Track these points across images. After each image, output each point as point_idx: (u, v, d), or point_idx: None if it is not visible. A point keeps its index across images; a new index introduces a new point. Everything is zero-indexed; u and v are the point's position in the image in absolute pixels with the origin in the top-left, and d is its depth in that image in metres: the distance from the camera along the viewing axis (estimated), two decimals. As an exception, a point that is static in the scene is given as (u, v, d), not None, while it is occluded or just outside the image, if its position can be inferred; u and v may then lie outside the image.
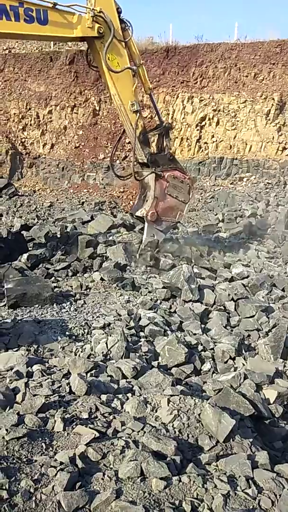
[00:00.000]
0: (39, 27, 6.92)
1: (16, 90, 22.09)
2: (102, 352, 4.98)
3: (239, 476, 2.93)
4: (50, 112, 21.50)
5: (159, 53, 20.01)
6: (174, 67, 19.80)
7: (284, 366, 5.26)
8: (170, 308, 6.60)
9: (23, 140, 21.84)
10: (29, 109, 21.71)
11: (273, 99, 17.59)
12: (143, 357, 5.00)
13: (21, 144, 21.69)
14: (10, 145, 21.17)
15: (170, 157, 8.69)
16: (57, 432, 3.24)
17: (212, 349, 5.54)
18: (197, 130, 19.15)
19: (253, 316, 6.35)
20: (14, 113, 21.88)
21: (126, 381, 4.31)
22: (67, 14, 7.19)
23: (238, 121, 18.45)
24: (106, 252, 8.54)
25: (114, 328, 5.59)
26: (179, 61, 19.72)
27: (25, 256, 8.42)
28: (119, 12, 7.69)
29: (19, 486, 2.64)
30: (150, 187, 8.51)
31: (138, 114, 8.08)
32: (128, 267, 8.11)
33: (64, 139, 21.40)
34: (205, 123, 19.09)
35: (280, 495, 2.80)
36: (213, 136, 18.95)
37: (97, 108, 21.01)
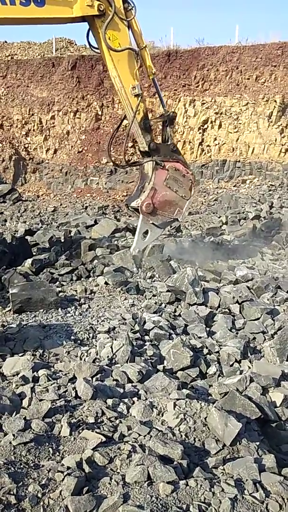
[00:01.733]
0: (36, 9, 6.62)
1: (18, 96, 22.27)
2: (108, 356, 4.98)
3: (246, 480, 2.92)
4: (53, 118, 21.65)
5: (160, 57, 20.12)
6: (175, 71, 19.90)
7: (290, 368, 5.24)
8: (175, 311, 6.59)
9: (26, 145, 21.99)
10: (32, 114, 21.88)
11: (275, 101, 17.63)
12: (149, 361, 5.00)
13: (24, 149, 21.84)
14: (14, 151, 21.32)
15: (173, 147, 8.13)
16: (64, 437, 3.25)
17: (218, 352, 5.53)
18: (200, 133, 19.21)
19: (258, 318, 6.33)
20: (17, 119, 22.04)
21: (132, 385, 4.31)
22: None
23: (240, 123, 18.49)
24: (103, 257, 8.51)
25: (119, 332, 5.59)
26: (181, 65, 19.82)
27: (29, 261, 8.45)
28: None
29: (27, 491, 2.65)
30: (148, 176, 7.94)
31: (139, 98, 7.59)
32: (132, 272, 8.11)
33: (67, 144, 21.53)
34: (208, 126, 19.16)
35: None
36: (215, 139, 18.99)
37: (100, 112, 21.13)
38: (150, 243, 8.46)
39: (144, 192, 7.96)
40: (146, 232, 8.18)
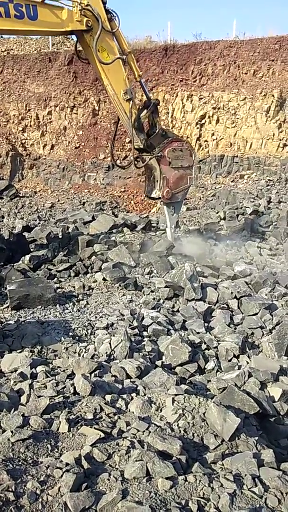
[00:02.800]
0: (29, 22, 7.06)
1: (15, 92, 22.12)
2: (106, 352, 4.98)
3: (245, 475, 2.92)
4: (49, 113, 21.52)
5: (157, 52, 20.00)
6: (173, 66, 19.78)
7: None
8: (173, 307, 6.59)
9: (23, 141, 21.86)
10: (29, 110, 21.74)
11: (273, 95, 17.55)
12: (147, 356, 5.00)
13: (21, 145, 21.72)
14: (10, 147, 21.20)
15: (162, 132, 8.79)
16: (62, 433, 3.24)
17: (216, 347, 5.53)
18: (197, 128, 19.13)
19: (256, 313, 6.33)
20: (14, 115, 21.91)
21: (130, 381, 4.31)
22: (55, 8, 7.35)
23: (238, 118, 18.42)
24: (101, 253, 8.52)
25: (117, 328, 5.59)
26: (178, 60, 19.70)
27: (27, 257, 8.43)
28: (104, 3, 7.81)
29: (25, 488, 2.64)
30: (156, 168, 8.76)
31: (131, 102, 8.24)
32: (130, 266, 8.10)
33: (64, 140, 21.42)
34: (205, 121, 19.07)
35: (286, 493, 2.80)
36: (213, 134, 18.92)
37: (97, 108, 21.01)
38: (178, 216, 9.62)
39: (157, 182, 8.88)
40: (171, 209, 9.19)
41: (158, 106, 9.01)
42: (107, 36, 7.86)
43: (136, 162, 8.85)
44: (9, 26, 6.97)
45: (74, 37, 8.39)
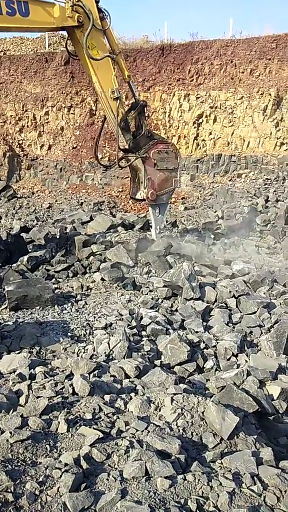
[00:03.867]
0: (21, 19, 7.14)
1: (12, 92, 22.08)
2: (105, 352, 4.97)
3: (244, 473, 2.93)
4: (46, 113, 21.49)
5: (154, 52, 19.99)
6: (169, 65, 19.78)
7: (287, 361, 5.25)
8: (172, 306, 6.59)
9: (20, 142, 21.83)
10: (26, 110, 21.71)
11: (270, 94, 17.56)
12: (146, 356, 4.99)
13: (18, 146, 21.69)
14: (8, 147, 21.17)
15: (148, 134, 8.84)
16: (61, 433, 3.24)
17: (215, 346, 5.53)
18: (195, 127, 19.14)
19: (254, 312, 6.34)
20: (11, 115, 21.87)
21: (129, 381, 4.31)
22: (47, 5, 7.43)
23: (235, 117, 18.43)
24: (99, 254, 8.53)
25: (116, 328, 5.58)
26: (175, 59, 19.70)
27: (25, 258, 8.42)
28: (96, 2, 7.92)
29: (24, 489, 2.64)
30: (140, 169, 8.81)
31: (118, 101, 8.27)
32: (128, 266, 8.10)
33: (61, 140, 21.40)
34: (202, 120, 19.08)
35: (285, 491, 2.80)
36: (210, 133, 18.93)
37: (94, 108, 21.00)
38: (164, 218, 9.63)
39: (142, 183, 8.89)
40: (156, 210, 9.24)
41: (145, 108, 9.10)
42: (98, 34, 7.94)
43: (120, 162, 8.90)
44: (1, 23, 7.02)
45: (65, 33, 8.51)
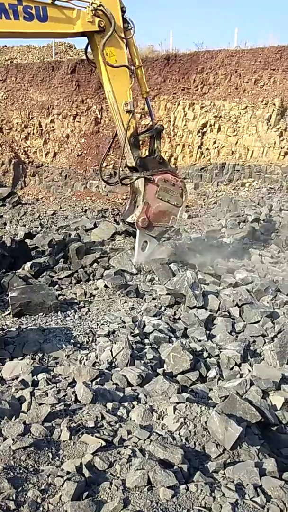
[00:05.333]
0: (39, 24, 6.83)
1: (18, 100, 22.30)
2: (107, 360, 4.97)
3: (247, 484, 2.90)
4: (52, 121, 21.67)
5: (159, 61, 20.18)
6: (174, 75, 19.95)
7: (290, 372, 5.22)
8: (175, 314, 6.59)
9: (26, 149, 22.01)
10: (32, 118, 21.91)
11: (274, 104, 17.66)
12: (148, 364, 4.99)
13: (24, 153, 21.86)
14: (13, 154, 21.34)
15: (160, 160, 8.34)
16: (64, 441, 3.23)
17: (218, 355, 5.52)
18: (199, 136, 19.24)
19: (258, 321, 6.32)
20: (17, 123, 22.08)
21: (132, 389, 4.30)
22: (66, 9, 7.11)
23: (239, 127, 18.52)
24: (96, 262, 8.50)
25: (118, 336, 5.58)
26: (180, 69, 19.87)
27: (28, 264, 8.44)
28: (123, 12, 7.59)
29: (26, 497, 2.63)
30: (140, 192, 8.20)
31: (131, 115, 7.82)
32: (132, 274, 8.10)
33: (66, 148, 21.55)
34: (207, 130, 19.18)
35: (289, 503, 2.78)
36: (214, 142, 19.02)
37: (99, 116, 21.17)
38: (149, 255, 8.58)
39: (138, 207, 8.24)
40: (145, 243, 8.43)
41: (162, 133, 8.55)
42: (119, 42, 7.56)
43: (122, 180, 8.35)
44: (18, 29, 6.74)
45: (77, 44, 8.36)
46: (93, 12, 7.18)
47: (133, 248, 8.75)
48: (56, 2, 6.92)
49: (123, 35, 7.60)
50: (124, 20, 7.64)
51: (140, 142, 8.21)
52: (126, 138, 7.87)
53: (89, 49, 7.93)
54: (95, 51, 7.71)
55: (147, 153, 8.68)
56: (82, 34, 7.51)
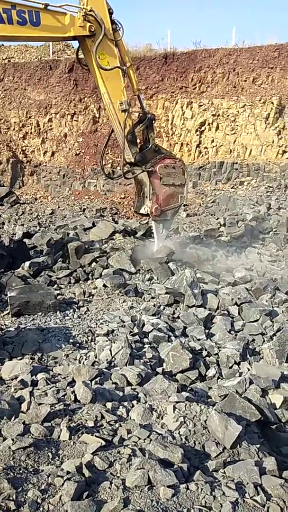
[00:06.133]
0: (32, 28, 7.02)
1: (16, 99, 22.25)
2: (106, 359, 4.96)
3: (247, 483, 2.91)
4: (50, 120, 21.64)
5: (157, 60, 20.15)
6: (172, 73, 19.93)
7: (290, 370, 5.23)
8: (174, 313, 6.58)
9: (23, 148, 21.96)
10: (29, 117, 21.86)
11: (272, 103, 17.66)
12: (148, 363, 4.99)
13: (21, 152, 21.82)
14: (11, 154, 21.29)
15: (155, 148, 8.69)
16: (63, 441, 3.23)
17: (217, 354, 5.52)
18: (197, 135, 19.23)
19: (257, 320, 6.33)
20: (15, 122, 22.03)
21: (131, 388, 4.30)
22: (58, 14, 7.30)
23: (237, 125, 18.51)
24: (95, 261, 8.50)
25: (118, 335, 5.58)
26: (178, 67, 19.85)
27: (27, 263, 8.43)
28: (110, 13, 7.83)
29: (26, 497, 2.63)
30: (146, 183, 8.64)
31: (126, 113, 8.13)
32: (130, 273, 8.10)
33: (64, 147, 21.52)
34: (205, 128, 19.17)
35: (289, 502, 2.78)
36: (213, 141, 19.01)
37: (97, 115, 21.14)
38: (166, 235, 9.35)
39: (147, 197, 8.74)
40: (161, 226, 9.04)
41: (154, 121, 8.98)
42: (110, 44, 7.83)
43: (125, 174, 8.70)
44: (12, 33, 6.95)
45: (74, 43, 8.44)
46: (84, 17, 7.43)
47: (137, 245, 9.26)
48: (48, 7, 7.11)
49: (112, 38, 7.86)
50: (112, 22, 7.89)
51: (136, 136, 8.52)
52: (124, 136, 8.16)
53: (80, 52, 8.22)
54: (87, 55, 8.01)
55: (141, 143, 8.93)
56: (73, 38, 7.79)
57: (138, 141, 8.60)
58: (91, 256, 8.61)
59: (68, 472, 2.83)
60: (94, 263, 8.45)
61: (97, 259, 8.57)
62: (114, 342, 5.24)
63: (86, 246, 9.17)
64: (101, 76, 7.82)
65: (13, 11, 6.76)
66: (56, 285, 7.80)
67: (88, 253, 8.81)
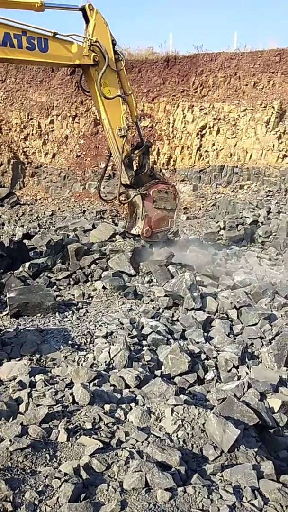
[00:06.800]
0: (39, 54, 7.38)
1: (18, 100, 22.28)
2: (105, 361, 4.96)
3: (245, 487, 2.90)
4: (51, 122, 21.66)
5: (159, 63, 20.20)
6: (174, 77, 19.97)
7: (288, 374, 5.23)
8: (173, 316, 6.59)
9: (25, 149, 21.98)
10: (31, 119, 21.89)
11: (273, 107, 17.71)
12: (146, 366, 4.98)
13: (23, 153, 21.83)
14: (12, 155, 21.31)
15: (150, 173, 9.25)
16: (61, 442, 3.22)
17: (215, 357, 5.52)
18: (198, 138, 19.27)
19: (256, 324, 6.33)
20: (16, 123, 22.06)
21: (129, 391, 4.29)
22: (66, 43, 7.69)
23: (238, 129, 18.56)
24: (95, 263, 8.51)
25: (116, 337, 5.57)
26: (179, 71, 19.90)
27: (26, 264, 8.42)
28: (113, 44, 8.28)
29: (24, 498, 2.62)
30: (139, 205, 9.11)
31: (124, 139, 8.58)
32: (130, 275, 8.10)
33: (65, 149, 21.54)
34: (206, 132, 19.21)
35: (286, 506, 2.78)
36: (213, 145, 19.05)
37: (98, 118, 21.16)
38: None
39: (139, 219, 9.22)
40: (150, 247, 9.34)
41: (150, 148, 9.43)
42: (112, 73, 8.27)
43: (120, 197, 9.09)
44: (21, 57, 7.30)
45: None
46: (89, 47, 7.84)
47: (132, 250, 9.14)
48: (57, 36, 7.47)
49: (115, 68, 8.30)
50: (115, 52, 8.33)
51: (133, 160, 9.00)
52: (122, 160, 8.62)
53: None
54: (90, 82, 8.42)
55: (137, 167, 9.36)
56: (78, 65, 8.19)
57: (135, 165, 9.06)
58: (91, 258, 8.61)
59: (65, 474, 2.82)
60: (93, 265, 8.45)
61: (97, 261, 8.57)
62: (113, 344, 5.23)
63: (86, 248, 9.18)
64: (103, 103, 8.25)
65: (23, 37, 7.09)
66: (55, 287, 7.80)
67: (88, 254, 8.82)
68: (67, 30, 7.73)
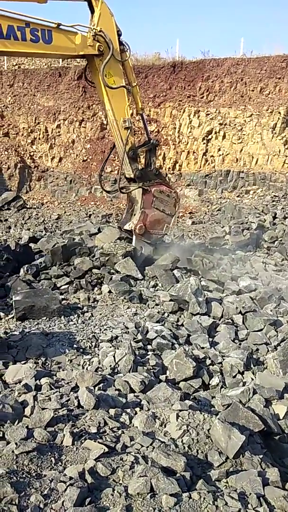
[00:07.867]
0: (44, 46, 7.34)
1: (25, 105, 22.49)
2: (110, 365, 4.96)
3: (250, 494, 2.89)
4: (58, 126, 21.83)
5: (166, 68, 20.32)
6: (180, 82, 20.07)
7: (294, 380, 5.20)
8: (178, 321, 6.58)
9: (31, 153, 22.15)
10: (38, 123, 22.07)
11: (279, 113, 17.73)
12: (151, 370, 4.98)
13: (29, 157, 22.00)
14: (19, 159, 21.48)
15: (156, 172, 9.06)
16: (66, 446, 3.23)
17: (220, 363, 5.50)
18: (204, 143, 19.32)
19: (261, 329, 6.31)
20: (23, 128, 22.25)
21: (134, 395, 4.29)
22: (70, 33, 7.66)
23: (244, 134, 18.59)
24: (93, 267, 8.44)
25: (121, 341, 5.58)
26: (186, 76, 20.00)
27: (25, 268, 8.40)
28: (119, 35, 8.20)
29: (29, 501, 2.63)
30: (138, 201, 8.88)
31: (129, 131, 8.44)
32: (137, 279, 8.09)
33: (72, 153, 21.68)
34: (212, 137, 19.26)
35: (291, 514, 2.76)
36: (219, 150, 19.09)
37: (105, 122, 21.26)
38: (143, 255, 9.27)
39: (135, 215, 8.93)
40: (140, 248, 9.03)
41: (157, 147, 9.29)
42: (117, 64, 8.19)
43: (122, 189, 8.98)
44: (25, 49, 7.28)
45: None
46: (94, 37, 7.77)
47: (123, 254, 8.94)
48: (61, 27, 7.44)
49: (120, 58, 8.21)
50: (120, 43, 8.24)
51: (138, 156, 8.86)
52: (125, 152, 8.50)
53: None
54: (94, 73, 8.34)
55: (143, 166, 9.24)
56: (82, 56, 8.15)
57: (140, 164, 8.91)
58: (89, 263, 8.39)
59: (70, 478, 2.83)
60: (96, 270, 8.34)
61: (95, 264, 8.36)
62: (118, 349, 5.24)
63: (73, 247, 9.06)
64: (107, 94, 8.16)
65: (27, 29, 7.08)
66: (59, 290, 7.80)
67: (74, 254, 8.79)
68: (70, 21, 7.92)
